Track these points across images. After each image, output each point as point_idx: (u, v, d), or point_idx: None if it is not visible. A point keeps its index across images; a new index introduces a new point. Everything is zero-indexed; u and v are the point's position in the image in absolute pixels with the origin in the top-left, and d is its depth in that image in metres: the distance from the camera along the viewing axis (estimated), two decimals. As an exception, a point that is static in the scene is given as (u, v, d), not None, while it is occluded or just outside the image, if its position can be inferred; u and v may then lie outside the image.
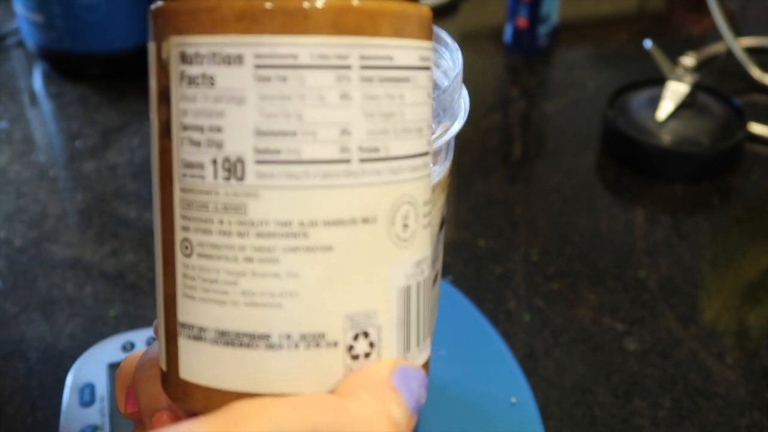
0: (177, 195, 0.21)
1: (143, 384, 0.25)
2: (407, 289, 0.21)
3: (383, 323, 0.21)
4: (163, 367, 0.22)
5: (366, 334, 0.21)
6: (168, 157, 0.21)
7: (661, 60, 0.68)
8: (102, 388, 0.42)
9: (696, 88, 0.66)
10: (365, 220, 0.20)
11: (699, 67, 0.74)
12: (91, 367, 0.44)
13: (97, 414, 0.41)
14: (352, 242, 0.20)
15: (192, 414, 0.22)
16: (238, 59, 0.19)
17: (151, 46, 0.21)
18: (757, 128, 0.67)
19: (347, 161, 0.20)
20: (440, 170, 0.34)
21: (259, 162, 0.20)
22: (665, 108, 0.64)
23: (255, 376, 0.20)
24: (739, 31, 0.78)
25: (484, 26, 0.85)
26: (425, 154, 0.22)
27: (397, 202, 0.21)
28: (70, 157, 0.65)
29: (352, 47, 0.20)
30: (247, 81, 0.19)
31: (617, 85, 0.68)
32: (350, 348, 0.21)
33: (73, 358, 0.45)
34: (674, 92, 0.65)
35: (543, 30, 0.78)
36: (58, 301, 0.50)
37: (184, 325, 0.21)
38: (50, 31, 0.72)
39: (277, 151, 0.20)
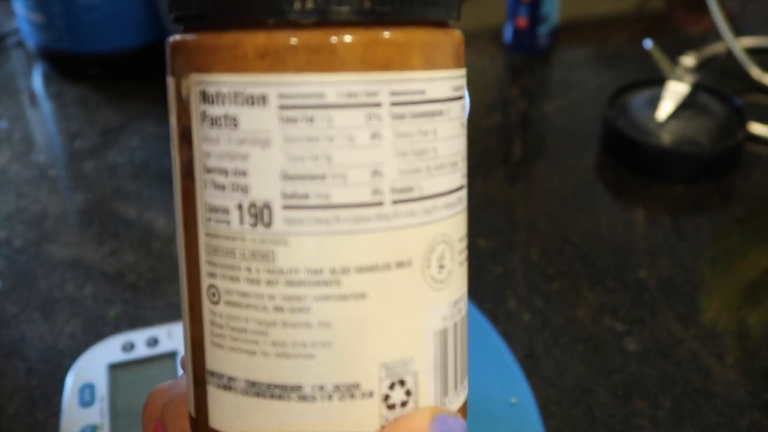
0: (202, 240, 0.20)
1: (172, 420, 0.25)
2: (444, 332, 0.21)
3: (420, 370, 0.20)
4: (192, 413, 0.22)
5: (402, 383, 0.20)
6: (191, 199, 0.20)
7: (661, 60, 0.68)
8: (102, 388, 0.42)
9: (696, 88, 0.66)
10: (399, 265, 0.19)
11: (699, 67, 0.74)
12: (91, 367, 0.44)
13: (97, 414, 0.41)
14: (386, 288, 0.19)
15: None
16: (262, 99, 0.19)
17: (170, 82, 0.21)
18: (757, 128, 0.67)
19: (380, 204, 0.19)
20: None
21: (286, 207, 0.19)
22: (665, 108, 0.64)
23: (287, 429, 0.19)
24: (739, 31, 0.78)
25: (484, 26, 0.85)
26: (460, 188, 0.21)
27: (432, 242, 0.20)
28: (70, 157, 0.65)
29: (382, 83, 0.19)
30: (272, 122, 0.18)
31: (617, 85, 0.68)
32: (386, 397, 0.20)
33: (73, 358, 0.45)
34: (674, 92, 0.65)
35: (543, 30, 0.78)
36: (58, 301, 0.50)
37: (213, 374, 0.20)
38: (50, 31, 0.72)
39: (306, 196, 0.19)
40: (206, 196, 0.20)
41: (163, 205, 0.59)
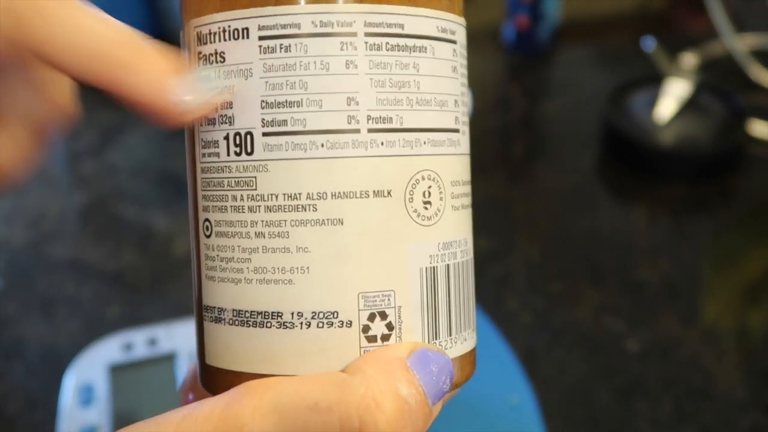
0: (198, 176, 0.21)
1: (199, 388, 0.25)
2: (433, 271, 0.20)
3: (403, 305, 0.20)
4: (197, 357, 0.22)
5: (383, 315, 0.20)
6: (192, 140, 0.21)
7: (662, 59, 0.68)
8: (101, 389, 0.42)
9: (696, 87, 0.66)
10: (377, 194, 0.20)
11: (700, 67, 0.74)
12: (90, 367, 0.43)
13: (95, 414, 0.41)
14: (363, 216, 0.19)
15: None
16: (245, 32, 0.20)
17: (181, 35, 0.22)
18: (758, 128, 0.67)
19: (356, 131, 0.19)
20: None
21: (266, 134, 0.20)
22: (666, 108, 0.64)
23: (269, 357, 0.20)
24: (739, 31, 0.78)
25: (485, 26, 0.85)
26: (453, 130, 0.21)
27: (414, 176, 0.20)
28: (69, 157, 0.64)
29: (357, 14, 0.19)
30: (253, 53, 0.19)
31: (617, 85, 0.68)
32: (366, 328, 0.20)
33: (72, 358, 0.45)
34: (675, 92, 0.65)
35: (543, 29, 0.78)
36: (57, 301, 0.50)
37: (207, 309, 0.21)
38: (50, 31, 0.72)
39: (284, 123, 0.19)
40: (201, 132, 0.21)
41: (163, 204, 0.59)
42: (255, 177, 0.20)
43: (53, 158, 0.65)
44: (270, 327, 0.20)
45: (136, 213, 0.58)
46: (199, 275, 0.21)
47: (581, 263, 0.54)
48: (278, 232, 0.20)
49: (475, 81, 0.39)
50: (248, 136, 0.20)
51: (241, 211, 0.20)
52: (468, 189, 0.22)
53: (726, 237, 0.57)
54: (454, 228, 0.21)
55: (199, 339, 0.22)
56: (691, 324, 0.49)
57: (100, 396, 0.42)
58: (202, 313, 0.21)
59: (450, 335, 0.21)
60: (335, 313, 0.20)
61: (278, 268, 0.20)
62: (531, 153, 0.66)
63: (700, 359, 0.46)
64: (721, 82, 0.70)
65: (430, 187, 0.20)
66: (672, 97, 0.65)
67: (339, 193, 0.19)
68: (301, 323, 0.20)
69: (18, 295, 0.50)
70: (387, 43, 0.20)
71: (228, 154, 0.20)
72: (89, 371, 0.43)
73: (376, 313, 0.20)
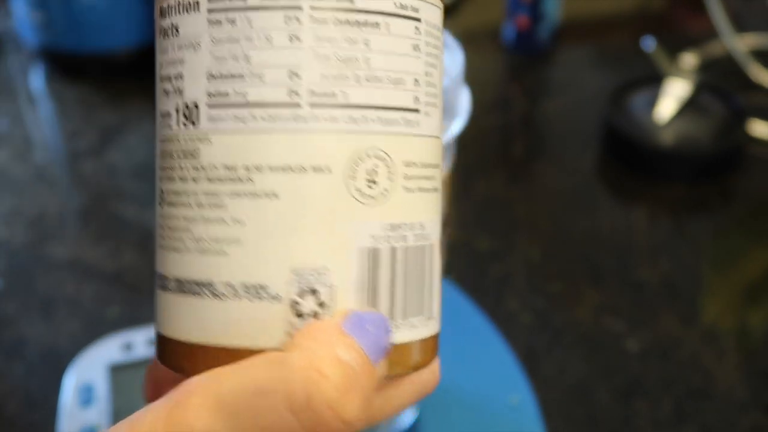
0: (158, 147, 0.21)
1: (153, 370, 0.25)
2: (375, 252, 0.20)
3: (337, 284, 0.19)
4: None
5: (314, 292, 0.19)
6: (156, 114, 0.22)
7: (662, 59, 0.68)
8: (101, 389, 0.42)
9: (697, 87, 0.66)
10: (316, 169, 0.19)
11: (700, 67, 0.74)
12: (90, 367, 0.43)
13: (95, 414, 0.41)
14: (300, 191, 0.19)
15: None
16: (196, 5, 0.20)
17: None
18: (758, 128, 0.67)
19: (296, 105, 0.19)
20: (441, 170, 0.34)
21: (210, 106, 0.20)
22: (666, 108, 0.64)
23: (203, 326, 0.20)
24: (739, 31, 0.78)
25: (484, 26, 0.85)
26: (410, 110, 0.21)
27: (358, 153, 0.20)
28: (69, 157, 0.64)
29: None
30: (202, 26, 0.20)
31: (617, 85, 0.68)
32: (295, 304, 0.19)
33: (72, 358, 0.45)
34: (675, 92, 0.65)
35: (543, 29, 0.78)
36: (57, 301, 0.50)
37: (158, 276, 0.21)
38: (50, 31, 0.72)
39: (226, 94, 0.20)
40: (159, 104, 0.21)
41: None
42: (199, 148, 0.20)
43: (53, 158, 0.65)
44: (204, 296, 0.20)
45: (136, 213, 0.58)
46: (156, 244, 0.22)
47: (581, 263, 0.54)
48: (216, 203, 0.20)
49: (475, 81, 0.39)
50: (195, 108, 0.20)
51: (185, 181, 0.20)
52: (432, 172, 0.21)
53: (726, 237, 0.57)
54: (405, 210, 0.20)
55: (155, 310, 0.22)
56: (691, 324, 0.49)
57: (100, 396, 0.42)
58: (156, 283, 0.22)
59: (393, 319, 0.20)
60: (264, 287, 0.19)
61: (214, 239, 0.20)
62: (531, 153, 0.66)
63: (700, 359, 0.46)
64: (721, 82, 0.70)
65: (376, 166, 0.20)
66: (672, 97, 0.65)
67: (275, 166, 0.19)
68: (233, 294, 0.20)
69: (18, 295, 0.50)
70: (334, 17, 0.19)
71: (178, 125, 0.20)
72: (89, 371, 0.43)
73: (307, 290, 0.19)
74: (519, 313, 0.49)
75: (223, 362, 0.19)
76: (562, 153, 0.66)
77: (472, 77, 0.39)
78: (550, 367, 0.46)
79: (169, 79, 0.21)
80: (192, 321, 0.20)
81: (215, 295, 0.20)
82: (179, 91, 0.20)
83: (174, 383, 0.23)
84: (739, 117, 0.64)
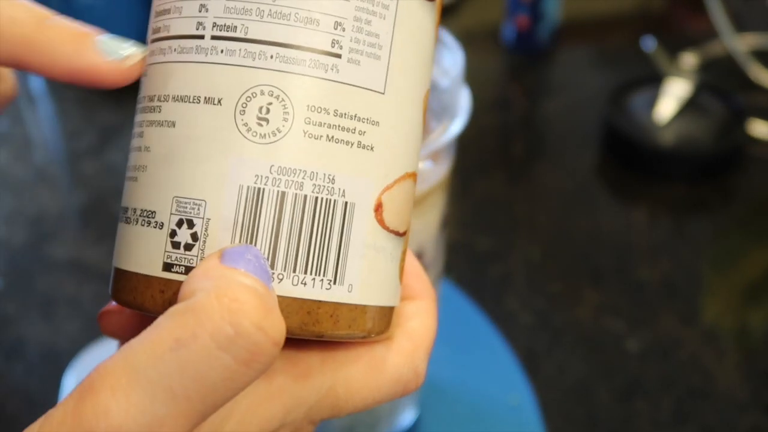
0: None
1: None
2: (258, 192, 0.19)
3: (212, 218, 0.19)
4: None
5: (190, 224, 0.19)
6: None
7: (662, 59, 0.68)
8: (101, 389, 0.42)
9: (696, 87, 0.66)
10: (208, 100, 0.19)
11: (700, 67, 0.74)
12: (90, 367, 0.43)
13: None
14: (192, 121, 0.20)
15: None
16: None
17: None
18: (758, 128, 0.67)
19: (201, 37, 0.20)
20: (441, 170, 0.34)
21: (151, 41, 0.21)
22: (666, 108, 0.64)
23: (120, 250, 0.21)
24: (739, 31, 0.78)
25: (484, 26, 0.85)
26: (326, 53, 0.20)
27: (251, 88, 0.19)
28: (69, 157, 0.64)
29: None
30: None
31: (617, 85, 0.68)
32: (173, 233, 0.19)
33: (72, 358, 0.45)
34: (675, 92, 0.65)
35: (543, 30, 0.78)
36: (57, 301, 0.50)
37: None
38: (50, 31, 0.72)
39: (158, 30, 0.21)
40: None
41: (163, 204, 0.59)
42: (142, 81, 0.21)
43: (53, 158, 0.65)
44: (122, 221, 0.21)
45: (136, 213, 0.58)
46: None
47: (581, 263, 0.54)
48: (139, 132, 0.21)
49: (475, 81, 0.39)
50: (145, 44, 0.22)
51: (135, 113, 0.22)
52: (358, 125, 0.20)
53: (726, 237, 0.57)
54: (304, 156, 0.19)
55: None
56: (691, 324, 0.49)
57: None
58: None
59: (273, 268, 0.19)
60: (153, 213, 0.20)
61: (134, 166, 0.21)
62: (531, 153, 0.66)
63: (700, 359, 0.46)
64: (721, 82, 0.70)
65: (270, 103, 0.19)
66: (672, 97, 0.65)
67: (176, 96, 0.20)
68: (135, 219, 0.20)
69: (18, 295, 0.50)
70: None
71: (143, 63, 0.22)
72: (89, 371, 0.43)
73: (184, 220, 0.19)
74: (519, 313, 0.49)
75: (123, 285, 0.20)
76: (562, 153, 0.66)
77: (472, 77, 0.39)
78: (550, 367, 0.46)
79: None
80: (118, 245, 0.21)
81: (126, 219, 0.21)
82: (148, 32, 0.22)
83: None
84: (739, 117, 0.64)
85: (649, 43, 0.69)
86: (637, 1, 0.93)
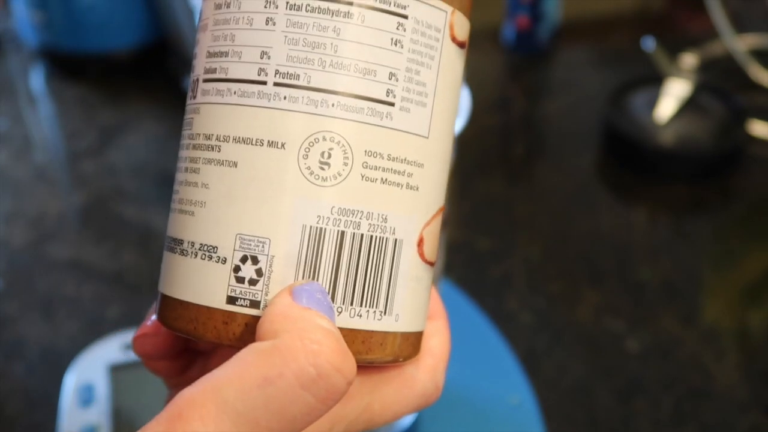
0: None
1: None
2: (319, 232, 0.21)
3: (277, 255, 0.20)
4: None
5: (255, 260, 0.21)
6: None
7: (662, 59, 0.68)
8: (101, 389, 0.42)
9: (696, 87, 0.66)
10: (272, 144, 0.21)
11: (700, 67, 0.74)
12: (90, 368, 0.43)
13: (95, 414, 0.41)
14: (255, 163, 0.21)
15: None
16: None
17: None
18: (758, 128, 0.67)
19: (263, 83, 0.21)
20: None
21: (204, 81, 0.22)
22: (666, 108, 0.64)
23: (172, 280, 0.22)
24: (739, 31, 0.78)
25: (484, 26, 0.85)
26: (381, 102, 0.21)
27: (314, 135, 0.21)
28: (69, 157, 0.64)
29: None
30: (210, 10, 0.22)
31: (617, 85, 0.68)
32: (237, 269, 0.21)
33: (72, 358, 0.45)
34: (675, 92, 0.65)
35: (543, 29, 0.78)
36: (57, 301, 0.50)
37: (165, 239, 0.23)
38: (50, 31, 0.72)
39: (214, 70, 0.22)
40: (184, 81, 0.24)
41: (163, 204, 0.59)
42: (193, 118, 0.22)
43: (53, 158, 0.65)
44: (175, 252, 0.22)
45: (136, 213, 0.58)
46: None
47: (581, 263, 0.54)
48: (194, 168, 0.22)
49: (475, 81, 0.39)
50: (196, 82, 0.22)
51: (183, 148, 0.22)
52: (406, 168, 0.22)
53: (726, 237, 0.57)
54: (361, 197, 0.21)
55: None
56: (691, 324, 0.49)
57: (100, 396, 0.42)
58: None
59: (334, 302, 0.21)
60: (215, 248, 0.21)
61: (189, 200, 0.22)
62: (531, 153, 0.66)
63: (700, 359, 0.46)
64: (721, 82, 0.70)
65: (331, 149, 0.21)
66: (672, 97, 0.64)
67: (239, 138, 0.21)
68: (193, 252, 0.21)
69: (18, 295, 0.50)
70: (307, 4, 0.21)
71: (189, 99, 0.23)
72: (89, 371, 0.43)
73: (249, 257, 0.21)
74: (519, 313, 0.49)
75: (179, 314, 0.21)
76: (562, 153, 0.66)
77: (472, 77, 0.39)
78: (550, 367, 0.46)
79: (194, 56, 0.23)
80: (167, 275, 0.22)
81: (182, 252, 0.21)
82: (193, 68, 0.23)
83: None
84: (739, 117, 0.64)
85: (649, 43, 0.69)
86: (637, 1, 0.93)
